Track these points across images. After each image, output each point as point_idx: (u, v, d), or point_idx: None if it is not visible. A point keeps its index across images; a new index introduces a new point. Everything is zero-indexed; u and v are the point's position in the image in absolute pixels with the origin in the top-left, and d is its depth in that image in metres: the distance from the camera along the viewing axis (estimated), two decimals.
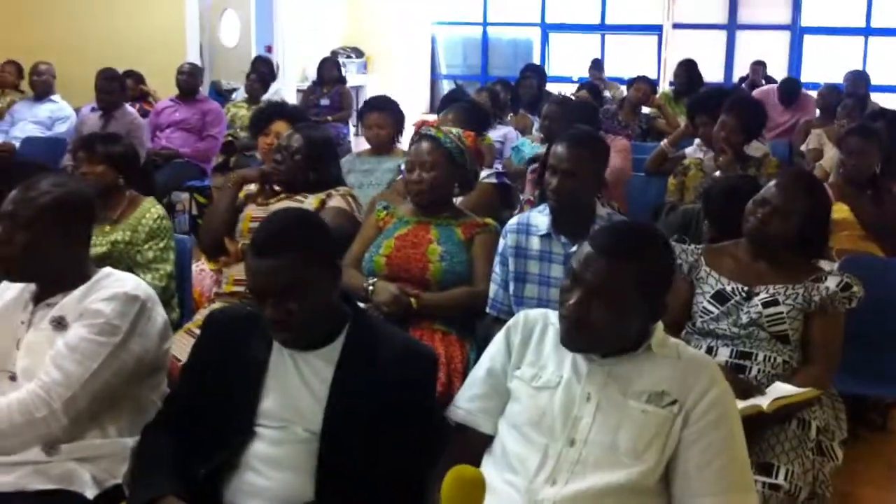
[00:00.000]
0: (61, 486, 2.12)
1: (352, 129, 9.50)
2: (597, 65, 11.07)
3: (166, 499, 1.92)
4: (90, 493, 2.13)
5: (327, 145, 3.62)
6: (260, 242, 1.99)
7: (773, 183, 2.86)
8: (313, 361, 2.05)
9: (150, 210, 3.49)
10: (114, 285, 2.24)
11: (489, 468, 1.95)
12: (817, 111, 7.52)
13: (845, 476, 3.21)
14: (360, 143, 7.83)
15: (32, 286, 2.29)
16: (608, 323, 1.88)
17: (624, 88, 8.64)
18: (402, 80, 12.55)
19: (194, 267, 3.74)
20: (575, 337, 1.92)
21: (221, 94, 9.64)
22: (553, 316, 2.05)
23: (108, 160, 3.45)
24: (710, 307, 2.79)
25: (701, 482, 1.85)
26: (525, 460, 1.92)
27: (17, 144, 6.64)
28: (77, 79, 7.48)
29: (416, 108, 10.87)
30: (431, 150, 3.15)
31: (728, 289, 2.79)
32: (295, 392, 2.03)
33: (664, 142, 5.59)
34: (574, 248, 2.91)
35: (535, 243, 3.03)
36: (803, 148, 6.56)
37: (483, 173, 3.98)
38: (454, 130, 3.27)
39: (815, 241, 2.89)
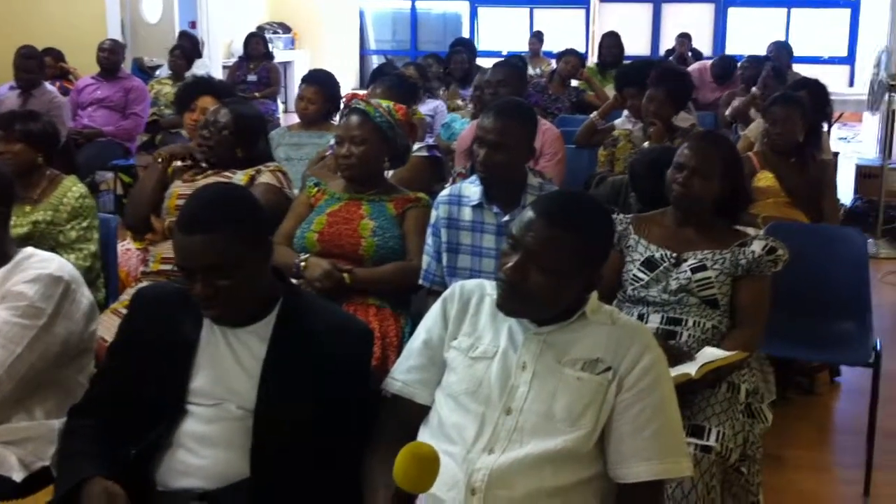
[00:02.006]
0: None
1: (280, 106, 9.39)
2: (539, 36, 10.76)
3: (94, 481, 1.87)
4: (17, 476, 2.08)
5: (256, 120, 3.56)
6: (187, 218, 1.95)
7: (684, 146, 2.91)
8: (245, 338, 2.02)
9: (72, 189, 3.41)
10: (37, 266, 2.18)
11: (427, 439, 1.94)
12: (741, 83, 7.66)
13: (775, 438, 3.31)
14: (289, 120, 7.75)
15: None
16: (545, 289, 1.88)
17: (553, 62, 8.65)
18: (331, 55, 12.45)
19: (119, 246, 3.68)
20: (511, 301, 1.92)
21: (144, 72, 9.42)
22: (489, 286, 2.05)
23: (26, 138, 3.36)
24: (641, 274, 2.83)
25: (635, 447, 1.87)
26: (462, 429, 1.91)
27: None
28: None
29: (345, 84, 10.75)
30: (361, 123, 3.12)
31: (657, 255, 2.83)
32: (227, 369, 2.00)
33: (593, 114, 5.63)
34: (506, 218, 2.92)
35: (466, 214, 3.03)
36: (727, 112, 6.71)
37: (414, 147, 3.96)
38: (384, 103, 3.24)
39: (737, 201, 2.94)
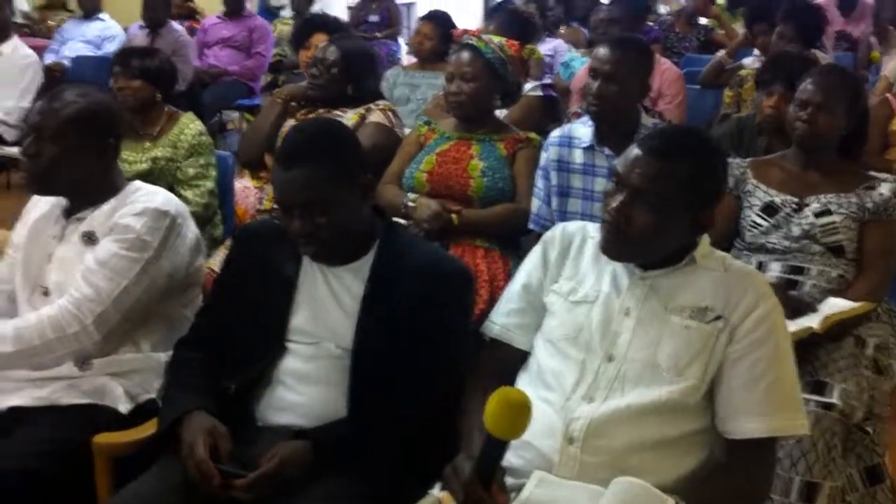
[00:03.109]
0: (95, 400, 2.12)
1: (403, 48, 9.34)
2: None
3: (196, 414, 1.90)
4: (123, 408, 2.13)
5: (365, 57, 3.52)
6: (286, 154, 1.93)
7: (807, 82, 2.74)
8: (343, 276, 2.00)
9: (189, 126, 3.45)
10: (143, 200, 2.20)
11: (525, 385, 1.89)
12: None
13: None
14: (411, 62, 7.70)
15: (63, 200, 2.26)
16: (650, 228, 1.77)
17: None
18: None
19: (238, 184, 3.72)
20: (615, 243, 1.82)
21: (270, 12, 9.52)
22: (592, 229, 1.96)
23: (144, 75, 3.40)
24: (760, 220, 2.69)
25: (746, 401, 1.76)
26: (561, 376, 1.85)
27: (68, 64, 6.63)
28: None
29: (470, 25, 10.64)
30: (471, 60, 3.05)
31: (778, 200, 2.69)
32: (326, 308, 1.99)
33: (720, 53, 5.39)
34: None
35: (577, 156, 2.94)
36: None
37: (528, 86, 3.87)
38: (496, 39, 3.16)
39: (861, 141, 2.77)
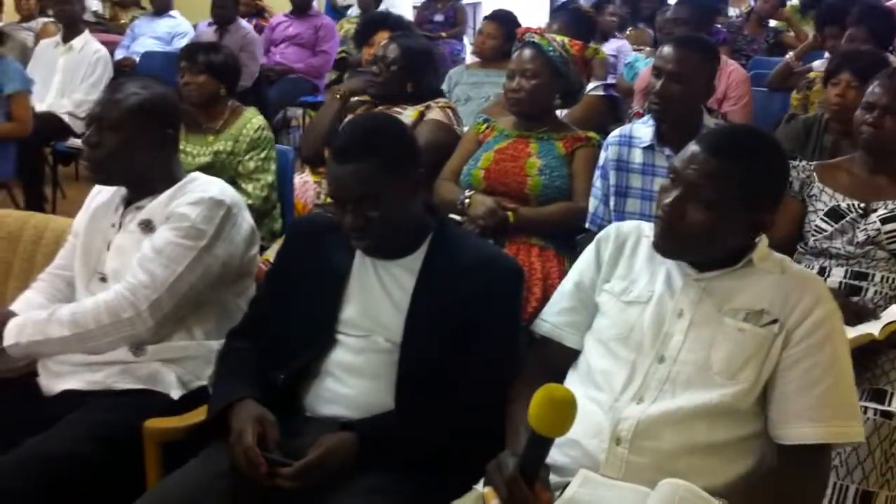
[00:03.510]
0: (147, 385, 2.16)
1: (468, 47, 9.34)
2: None
3: (245, 402, 1.92)
4: (175, 394, 2.16)
5: (424, 55, 3.53)
6: (339, 148, 1.94)
7: (875, 84, 2.67)
8: (395, 271, 2.01)
9: (252, 120, 3.49)
10: (200, 189, 2.23)
11: (574, 384, 1.87)
12: None
13: None
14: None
15: (123, 189, 2.30)
16: (704, 226, 1.74)
17: (752, 1, 8.18)
18: None
19: (297, 178, 3.75)
20: (668, 240, 1.79)
21: (337, 10, 9.59)
22: (647, 228, 1.93)
23: (210, 70, 3.46)
24: (824, 225, 2.63)
25: (801, 407, 1.72)
26: (611, 376, 1.82)
27: (137, 60, 6.77)
28: None
29: (535, 25, 10.58)
30: (533, 57, 3.03)
31: (843, 205, 2.62)
32: (376, 301, 2.00)
33: (790, 55, 5.28)
34: None
35: (637, 156, 2.90)
36: None
37: (590, 85, 3.83)
38: (559, 38, 3.14)
39: None
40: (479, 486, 1.78)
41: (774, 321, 1.75)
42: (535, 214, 2.97)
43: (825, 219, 2.63)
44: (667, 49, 2.82)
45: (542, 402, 1.50)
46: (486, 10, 11.56)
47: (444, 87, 4.67)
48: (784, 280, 1.80)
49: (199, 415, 2.06)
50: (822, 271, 2.61)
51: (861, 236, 2.57)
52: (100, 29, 7.46)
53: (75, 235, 2.36)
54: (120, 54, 6.79)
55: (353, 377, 1.98)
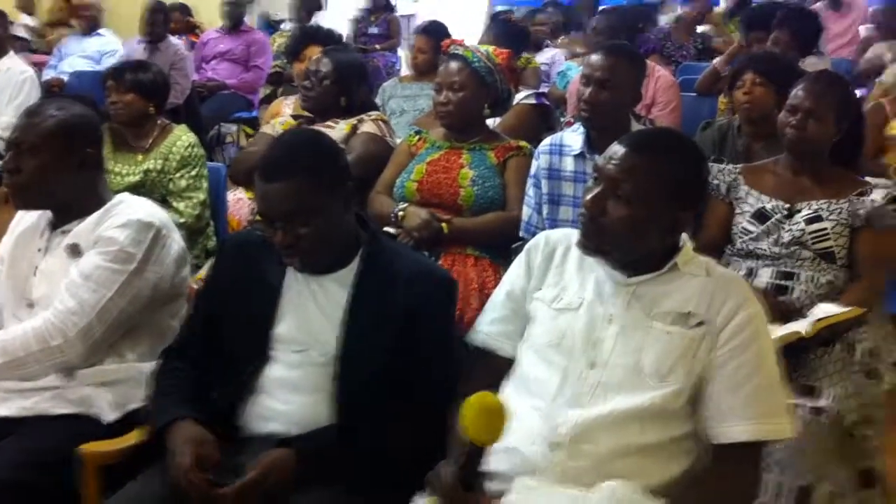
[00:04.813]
0: (80, 410, 2.13)
1: (403, 59, 9.35)
2: None
3: (183, 423, 1.90)
4: (109, 417, 2.13)
5: (356, 68, 3.53)
6: (267, 166, 1.93)
7: (798, 88, 2.73)
8: (328, 285, 2.00)
9: (182, 138, 3.47)
10: (127, 212, 2.21)
11: (510, 392, 1.89)
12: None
13: None
14: None
15: (49, 213, 2.27)
16: (625, 221, 1.77)
17: (679, 7, 8.31)
18: (455, 7, 12.29)
19: (231, 195, 3.73)
20: (591, 237, 1.82)
21: (271, 26, 9.56)
22: (576, 236, 1.96)
23: (137, 88, 3.42)
24: (750, 226, 2.68)
25: (731, 406, 1.76)
26: (544, 383, 1.84)
27: (66, 80, 6.66)
28: (125, 12, 7.46)
29: (471, 38, 10.63)
30: (459, 69, 3.05)
31: (769, 206, 2.68)
32: (310, 316, 1.99)
33: (716, 60, 5.38)
34: None
35: (568, 164, 2.94)
36: (861, 60, 6.26)
37: (521, 94, 3.87)
38: (483, 48, 3.16)
39: (854, 147, 2.77)
40: (421, 500, 1.78)
41: (701, 323, 1.79)
42: (469, 225, 2.98)
43: (752, 220, 2.69)
44: (595, 57, 2.87)
45: (473, 410, 1.52)
46: (421, 20, 11.60)
47: (378, 100, 4.68)
48: (709, 282, 1.84)
49: (135, 437, 2.04)
50: (750, 272, 2.65)
51: (786, 237, 2.63)
52: (27, 49, 7.33)
53: (0, 261, 2.32)
54: (48, 74, 6.68)
55: (290, 393, 1.97)
